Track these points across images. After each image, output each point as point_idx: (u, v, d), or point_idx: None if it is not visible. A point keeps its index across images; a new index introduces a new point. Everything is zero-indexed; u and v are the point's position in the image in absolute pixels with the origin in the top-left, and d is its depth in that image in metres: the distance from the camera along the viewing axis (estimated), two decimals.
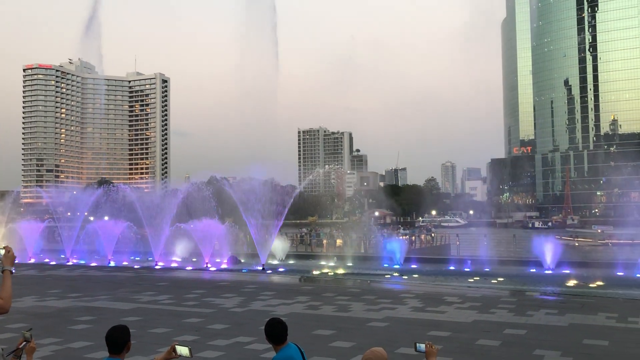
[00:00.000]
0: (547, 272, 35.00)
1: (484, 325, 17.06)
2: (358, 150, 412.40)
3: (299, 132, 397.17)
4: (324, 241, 54.82)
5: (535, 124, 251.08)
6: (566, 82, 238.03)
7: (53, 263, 44.33)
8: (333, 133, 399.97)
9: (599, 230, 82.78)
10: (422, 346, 5.40)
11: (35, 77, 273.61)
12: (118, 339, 5.10)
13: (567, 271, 33.81)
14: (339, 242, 54.29)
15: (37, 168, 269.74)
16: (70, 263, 44.13)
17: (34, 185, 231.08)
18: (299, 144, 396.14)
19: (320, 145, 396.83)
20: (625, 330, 16.35)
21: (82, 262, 44.45)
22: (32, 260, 46.44)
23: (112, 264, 42.67)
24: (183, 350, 5.23)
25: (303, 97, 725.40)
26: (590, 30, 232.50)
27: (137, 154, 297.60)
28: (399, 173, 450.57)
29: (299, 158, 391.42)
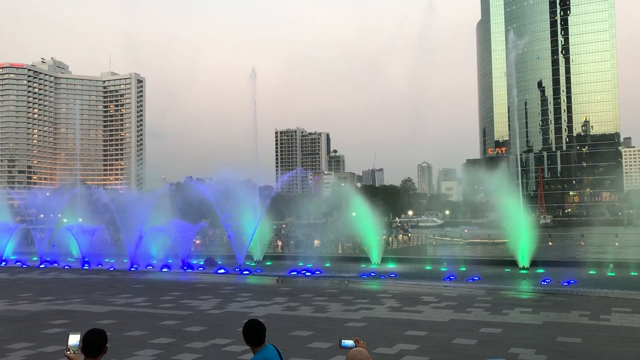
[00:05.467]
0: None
1: (460, 324, 17.22)
2: (335, 151, 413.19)
3: (276, 133, 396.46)
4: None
5: (509, 125, 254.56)
6: (540, 84, 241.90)
7: (25, 266, 43.52)
8: (310, 134, 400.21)
9: (466, 231, 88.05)
10: (348, 342, 5.33)
11: (6, 76, 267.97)
12: (95, 342, 5.04)
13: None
14: (316, 242, 54.33)
15: (9, 169, 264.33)
16: (42, 266, 43.35)
17: (6, 187, 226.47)
18: (277, 144, 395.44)
19: (298, 146, 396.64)
20: (597, 328, 16.67)
21: (55, 264, 43.71)
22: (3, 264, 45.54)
23: (86, 266, 42.06)
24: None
25: (280, 98, 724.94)
26: (562, 33, 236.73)
27: (111, 155, 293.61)
28: (375, 174, 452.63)
29: (277, 159, 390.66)
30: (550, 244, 62.56)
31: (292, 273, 35.66)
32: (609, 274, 32.81)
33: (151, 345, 14.72)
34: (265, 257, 45.06)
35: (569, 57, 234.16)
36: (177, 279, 33.24)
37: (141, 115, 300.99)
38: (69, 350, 4.93)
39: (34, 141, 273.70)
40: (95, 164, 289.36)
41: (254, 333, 5.71)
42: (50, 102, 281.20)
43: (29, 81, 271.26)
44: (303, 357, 13.20)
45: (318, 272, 36.05)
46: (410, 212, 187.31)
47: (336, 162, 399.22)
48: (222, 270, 37.32)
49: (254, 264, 41.53)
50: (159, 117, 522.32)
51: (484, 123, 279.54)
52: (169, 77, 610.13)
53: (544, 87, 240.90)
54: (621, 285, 28.40)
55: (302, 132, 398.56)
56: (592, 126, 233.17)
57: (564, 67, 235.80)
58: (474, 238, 70.75)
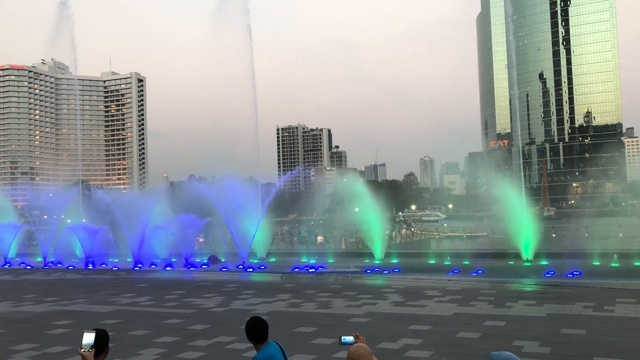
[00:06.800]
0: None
1: (464, 318, 17.20)
2: (337, 147, 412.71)
3: (277, 130, 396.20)
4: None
5: (511, 117, 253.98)
6: (541, 76, 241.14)
7: (29, 267, 43.60)
8: (312, 130, 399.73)
9: (445, 225, 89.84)
10: (348, 338, 5.31)
11: (7, 78, 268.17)
12: (96, 342, 5.04)
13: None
14: (319, 238, 54.42)
15: (11, 171, 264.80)
16: (46, 267, 43.44)
17: (9, 188, 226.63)
18: (278, 141, 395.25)
19: (299, 142, 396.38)
20: (602, 319, 16.63)
21: (59, 265, 43.79)
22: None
23: (90, 266, 42.14)
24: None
25: (281, 95, 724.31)
26: (563, 24, 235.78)
27: (114, 155, 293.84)
28: (378, 169, 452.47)
29: (278, 155, 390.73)
30: (554, 235, 62.54)
31: (296, 269, 35.68)
32: (613, 264, 32.75)
33: (155, 344, 14.73)
34: (268, 253, 45.13)
35: (570, 48, 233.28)
36: (181, 277, 33.29)
37: (142, 115, 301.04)
38: (83, 348, 4.97)
39: (36, 142, 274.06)
40: (98, 164, 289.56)
41: (257, 330, 5.70)
42: (51, 103, 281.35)
43: (29, 82, 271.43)
44: (306, 353, 13.19)
45: (321, 268, 36.07)
46: (413, 207, 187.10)
47: (338, 158, 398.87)
48: (225, 268, 37.37)
49: (257, 261, 41.57)
50: (160, 116, 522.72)
51: (486, 116, 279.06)
52: (169, 75, 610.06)
53: (545, 78, 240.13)
54: (625, 276, 28.36)
55: (303, 128, 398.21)
56: (594, 117, 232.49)
57: (565, 58, 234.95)
58: (452, 232, 71.56)
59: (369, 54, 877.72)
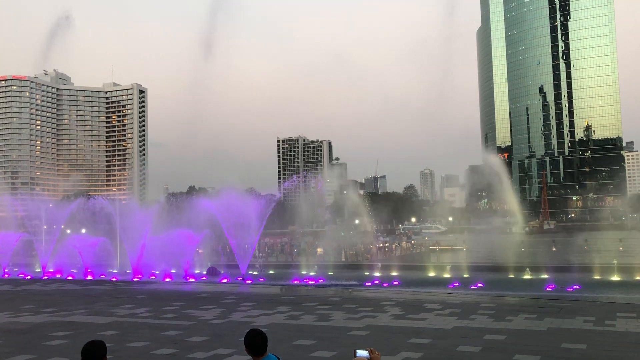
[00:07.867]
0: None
1: (464, 332, 17.12)
2: (337, 159, 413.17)
3: (278, 141, 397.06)
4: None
5: (511, 130, 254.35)
6: (541, 89, 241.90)
7: (28, 277, 43.47)
8: (312, 142, 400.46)
9: (426, 238, 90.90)
10: (363, 352, 5.26)
11: (9, 88, 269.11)
12: (93, 354, 5.02)
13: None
14: (319, 250, 54.30)
15: (12, 181, 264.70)
16: (45, 277, 43.30)
17: (9, 198, 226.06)
18: (279, 152, 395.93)
19: (300, 154, 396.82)
20: (603, 333, 16.54)
21: (58, 276, 43.65)
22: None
23: (89, 277, 42.00)
24: None
25: (282, 106, 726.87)
26: (563, 39, 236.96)
27: (114, 166, 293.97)
28: (378, 181, 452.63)
29: (279, 167, 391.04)
30: (554, 249, 62.36)
31: (295, 282, 35.56)
32: (613, 278, 32.66)
33: (153, 356, 14.65)
34: (268, 265, 45.02)
35: (569, 62, 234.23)
36: (180, 288, 33.16)
37: (143, 126, 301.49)
38: None
39: (37, 152, 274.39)
40: (98, 174, 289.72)
41: (255, 343, 5.67)
42: (52, 113, 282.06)
43: (31, 93, 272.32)
44: None
45: (321, 280, 35.95)
46: (413, 219, 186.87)
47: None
48: (225, 280, 37.25)
49: (257, 273, 41.44)
50: (161, 126, 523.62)
51: (486, 129, 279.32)
52: (170, 86, 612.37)
53: (545, 92, 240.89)
54: (626, 290, 28.28)
55: (304, 140, 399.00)
56: (594, 131, 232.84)
57: (564, 72, 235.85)
58: (434, 245, 71.65)
59: (369, 67, 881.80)
